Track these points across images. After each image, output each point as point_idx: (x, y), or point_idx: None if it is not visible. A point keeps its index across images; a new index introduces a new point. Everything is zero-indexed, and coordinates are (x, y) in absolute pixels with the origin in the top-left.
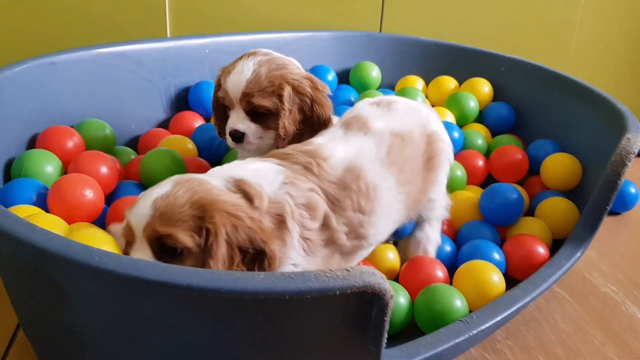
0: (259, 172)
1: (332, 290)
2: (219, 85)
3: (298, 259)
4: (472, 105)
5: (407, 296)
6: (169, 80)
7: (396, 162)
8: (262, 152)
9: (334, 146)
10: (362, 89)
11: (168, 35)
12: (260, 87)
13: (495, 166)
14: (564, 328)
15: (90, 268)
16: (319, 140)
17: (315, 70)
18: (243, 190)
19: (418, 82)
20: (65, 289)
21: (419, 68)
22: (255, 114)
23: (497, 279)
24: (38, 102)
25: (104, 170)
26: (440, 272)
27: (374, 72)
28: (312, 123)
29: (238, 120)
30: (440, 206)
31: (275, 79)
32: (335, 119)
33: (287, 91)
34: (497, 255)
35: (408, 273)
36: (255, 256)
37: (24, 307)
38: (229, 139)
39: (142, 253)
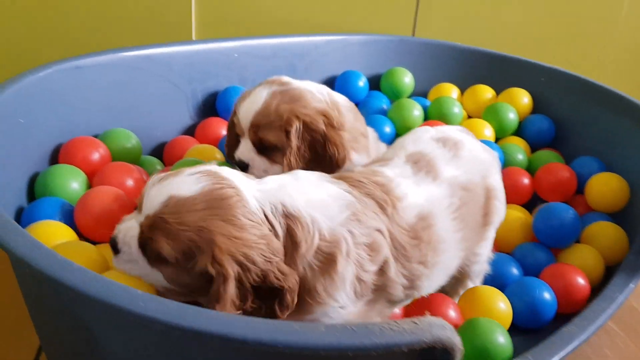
0: (322, 202)
1: (398, 346)
2: (234, 111)
3: (345, 301)
4: (512, 117)
5: None
6: (195, 86)
7: (464, 218)
8: None
9: (406, 186)
10: (394, 96)
11: (193, 38)
12: (268, 119)
13: (541, 185)
14: None
15: (133, 314)
16: (389, 173)
17: (346, 76)
18: (290, 229)
19: (453, 91)
20: (103, 333)
21: (453, 75)
22: (262, 146)
23: (503, 306)
24: (63, 108)
25: (130, 182)
26: (453, 312)
27: (407, 79)
28: (323, 162)
29: (245, 150)
30: (483, 260)
31: (284, 112)
32: (370, 132)
33: (296, 127)
34: (547, 295)
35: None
36: (271, 290)
37: (51, 343)
38: (236, 165)
39: (132, 229)
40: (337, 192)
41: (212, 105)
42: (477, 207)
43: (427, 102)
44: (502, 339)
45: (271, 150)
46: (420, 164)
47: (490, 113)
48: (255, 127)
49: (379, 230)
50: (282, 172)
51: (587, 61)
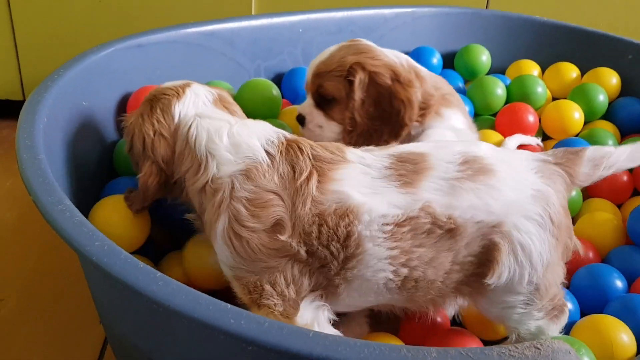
0: (229, 148)
1: None
2: None
3: (221, 254)
4: (601, 99)
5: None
6: (258, 63)
7: (410, 247)
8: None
9: (343, 173)
10: (469, 75)
11: (253, 12)
12: (329, 68)
13: None
14: None
15: (225, 332)
16: (348, 155)
17: (418, 52)
18: (181, 149)
19: (534, 69)
20: (182, 340)
21: (531, 52)
22: (321, 99)
23: (627, 339)
24: (125, 86)
25: None
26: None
27: (484, 57)
28: (389, 120)
29: (305, 104)
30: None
31: (347, 62)
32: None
33: (360, 78)
34: None
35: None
36: None
37: (118, 339)
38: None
39: None
40: (252, 148)
41: (277, 83)
42: (455, 251)
43: (507, 80)
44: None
45: (329, 104)
46: (402, 166)
47: (578, 94)
48: (316, 76)
49: (274, 192)
50: (343, 130)
51: None
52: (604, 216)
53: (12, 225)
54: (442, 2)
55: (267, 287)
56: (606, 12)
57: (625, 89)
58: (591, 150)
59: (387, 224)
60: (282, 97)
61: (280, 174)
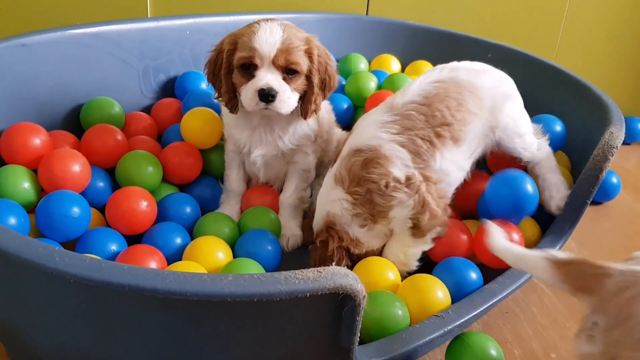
0: None
1: (302, 292)
2: (232, 49)
3: None
4: None
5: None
6: (147, 62)
7: None
8: (273, 122)
9: None
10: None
11: (149, 15)
12: (294, 44)
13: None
14: (540, 321)
15: (50, 269)
16: None
17: None
18: None
19: (393, 62)
20: (27, 289)
21: (406, 52)
22: (289, 72)
23: (441, 295)
24: (10, 86)
25: (76, 168)
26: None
27: (362, 65)
28: (324, 88)
29: (273, 78)
30: None
31: (304, 39)
32: (326, 105)
33: (317, 52)
34: (474, 275)
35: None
36: None
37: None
38: (252, 101)
39: None
40: None
41: (166, 82)
42: None
43: (384, 76)
44: (400, 312)
45: (293, 75)
46: None
47: None
48: (285, 52)
49: None
50: (306, 99)
51: (536, 40)
52: None
53: None
54: (326, 8)
55: None
56: (469, 17)
57: None
58: None
59: None
60: (174, 93)
61: None
